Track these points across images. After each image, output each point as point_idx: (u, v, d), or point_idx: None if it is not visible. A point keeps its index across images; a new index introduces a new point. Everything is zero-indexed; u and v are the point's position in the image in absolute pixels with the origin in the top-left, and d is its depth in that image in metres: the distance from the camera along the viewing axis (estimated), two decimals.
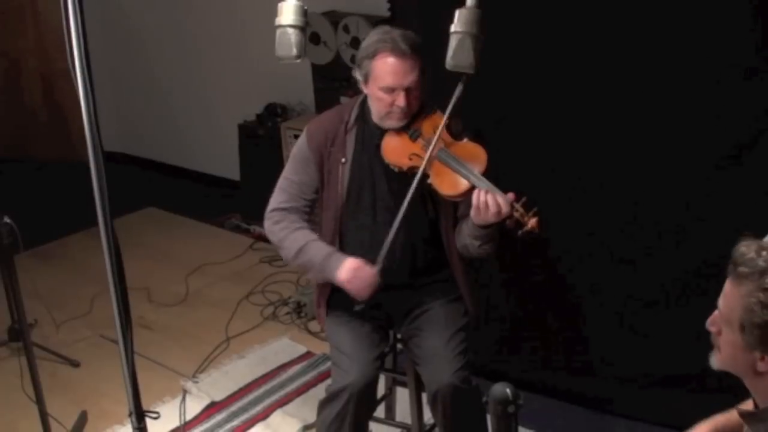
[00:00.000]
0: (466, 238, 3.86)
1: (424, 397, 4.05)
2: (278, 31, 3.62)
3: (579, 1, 4.47)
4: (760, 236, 3.30)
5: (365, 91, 3.90)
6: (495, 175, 3.67)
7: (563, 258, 4.88)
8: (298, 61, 3.66)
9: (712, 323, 2.57)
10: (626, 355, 4.81)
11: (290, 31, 3.60)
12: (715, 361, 2.59)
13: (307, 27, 3.65)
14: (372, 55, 3.75)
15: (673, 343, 4.39)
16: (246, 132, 7.53)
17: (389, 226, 3.80)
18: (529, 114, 4.70)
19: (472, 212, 3.66)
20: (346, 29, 6.47)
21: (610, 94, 4.48)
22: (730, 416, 2.88)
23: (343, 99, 6.60)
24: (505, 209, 3.59)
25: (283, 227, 4.03)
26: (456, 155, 3.75)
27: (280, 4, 3.61)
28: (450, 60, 3.52)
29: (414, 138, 3.83)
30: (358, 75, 3.88)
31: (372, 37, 3.81)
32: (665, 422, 4.52)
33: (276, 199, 4.09)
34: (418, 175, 3.72)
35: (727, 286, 2.49)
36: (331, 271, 3.86)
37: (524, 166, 4.64)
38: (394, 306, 4.08)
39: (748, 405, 2.62)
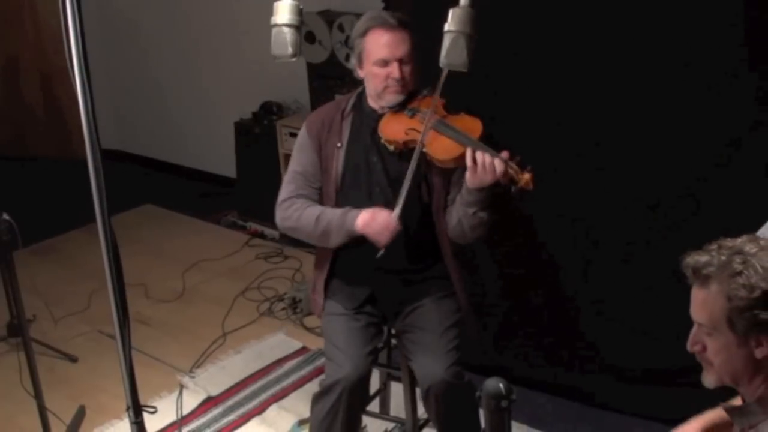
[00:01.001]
0: (460, 209, 3.87)
1: (418, 391, 4.05)
2: (274, 30, 3.61)
3: (574, 1, 4.48)
4: (754, 230, 3.33)
5: (361, 74, 3.96)
6: None
7: (557, 254, 4.88)
8: (294, 59, 3.66)
9: (694, 343, 2.56)
10: (619, 350, 4.81)
11: (286, 30, 3.59)
12: (710, 378, 2.57)
13: (302, 26, 3.64)
14: (364, 33, 3.88)
15: (666, 338, 4.39)
16: (242, 130, 7.53)
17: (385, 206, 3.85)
18: (522, 113, 4.70)
19: (468, 174, 3.69)
20: (340, 28, 6.47)
21: (603, 92, 4.48)
22: (720, 412, 2.88)
23: (338, 97, 6.60)
24: (499, 167, 3.63)
25: (295, 209, 4.03)
26: (452, 124, 3.81)
27: (275, 4, 3.61)
28: (444, 59, 3.52)
29: (411, 115, 3.87)
30: (353, 60, 3.96)
31: (362, 19, 3.94)
32: (657, 417, 4.52)
33: (284, 192, 4.11)
34: (418, 144, 3.75)
35: (697, 295, 2.48)
36: (351, 223, 3.88)
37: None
38: (388, 302, 4.09)
39: (736, 401, 2.62)
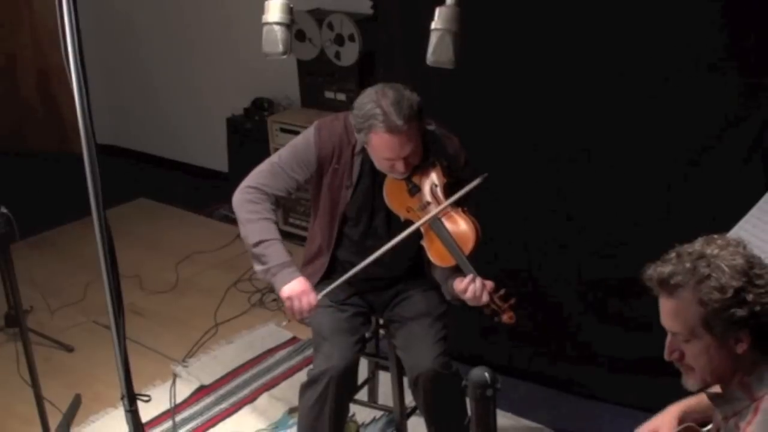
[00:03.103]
0: (442, 286, 3.88)
1: (406, 380, 4.05)
2: (265, 29, 3.60)
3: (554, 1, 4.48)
4: (735, 221, 3.32)
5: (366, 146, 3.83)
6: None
7: (543, 245, 4.88)
8: (284, 57, 3.64)
9: (670, 352, 2.56)
10: (605, 340, 4.81)
11: (276, 28, 3.58)
12: (692, 382, 2.57)
13: (292, 24, 3.62)
14: (368, 129, 3.66)
15: (651, 328, 4.39)
16: (234, 125, 7.52)
17: (379, 240, 3.84)
18: (507, 111, 4.70)
19: (459, 289, 3.65)
20: (330, 26, 6.46)
21: (584, 88, 4.50)
22: (697, 398, 2.88)
23: (328, 94, 6.61)
24: (484, 299, 3.60)
25: (254, 210, 3.92)
26: (448, 230, 3.72)
27: (266, 2, 3.60)
28: (431, 56, 3.51)
29: (412, 193, 3.81)
30: (356, 127, 3.77)
31: (366, 106, 3.68)
32: (643, 406, 4.49)
33: (259, 178, 3.99)
34: (413, 229, 3.74)
35: (667, 305, 2.49)
36: (281, 280, 3.84)
37: (507, 158, 4.65)
38: (375, 294, 4.10)
39: (717, 388, 2.62)
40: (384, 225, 3.95)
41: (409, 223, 3.78)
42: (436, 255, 3.73)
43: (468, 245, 3.69)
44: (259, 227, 3.91)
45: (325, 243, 4.04)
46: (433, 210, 3.73)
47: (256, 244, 3.89)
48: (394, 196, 3.84)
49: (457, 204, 3.77)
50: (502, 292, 3.63)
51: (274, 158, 4.04)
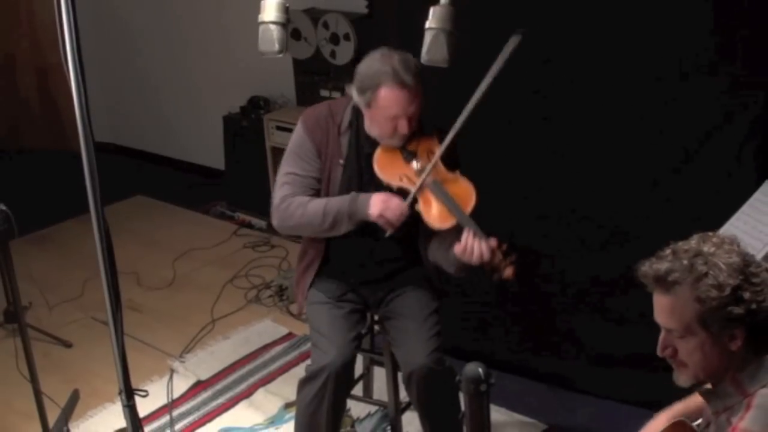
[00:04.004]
0: (443, 262, 3.87)
1: (400, 376, 4.05)
2: (261, 28, 3.60)
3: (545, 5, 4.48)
4: (725, 219, 3.32)
5: (365, 113, 3.84)
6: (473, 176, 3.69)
7: (533, 242, 4.87)
8: (280, 56, 3.64)
9: (664, 348, 2.55)
10: (597, 336, 4.82)
11: (272, 27, 3.58)
12: (684, 378, 2.56)
13: (288, 23, 3.63)
14: (376, 86, 3.69)
15: (644, 324, 4.39)
16: (230, 123, 7.51)
17: (373, 233, 3.84)
18: (499, 107, 4.68)
19: (458, 251, 3.63)
20: (325, 25, 6.46)
21: (576, 86, 4.50)
22: (687, 403, 2.89)
23: (323, 92, 6.60)
24: (486, 255, 3.59)
25: (297, 206, 3.89)
26: (447, 191, 3.72)
27: (262, 2, 3.60)
28: (425, 55, 3.52)
29: (408, 160, 3.81)
30: (355, 95, 3.81)
31: (373, 65, 3.73)
32: (636, 400, 4.52)
33: (280, 194, 3.94)
34: (409, 197, 3.72)
35: (662, 302, 2.48)
36: (363, 211, 3.79)
37: (500, 156, 4.65)
38: (370, 292, 4.09)
39: (709, 385, 2.62)
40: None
41: (402, 192, 3.77)
42: (436, 216, 3.71)
43: (468, 203, 3.71)
44: (311, 210, 3.86)
45: None
46: (429, 168, 3.71)
47: (324, 217, 3.84)
48: (387, 166, 3.81)
49: (452, 169, 3.80)
50: (504, 247, 3.63)
51: (281, 173, 4.01)
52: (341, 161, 3.92)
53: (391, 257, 4.04)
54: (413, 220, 3.81)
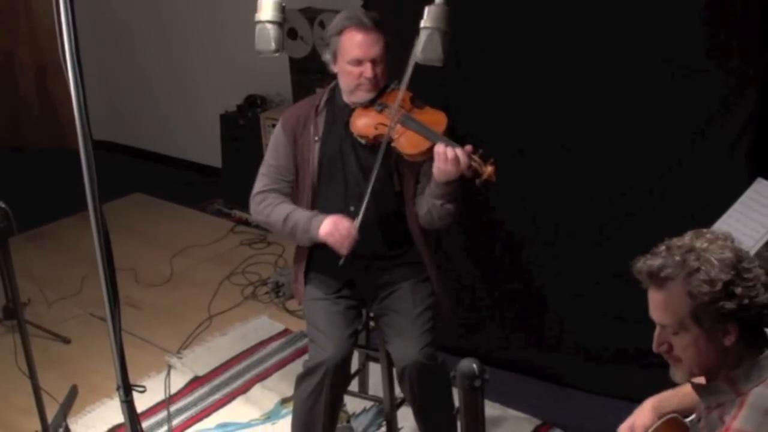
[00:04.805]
0: (429, 201, 3.88)
1: (396, 372, 4.06)
2: (258, 27, 3.61)
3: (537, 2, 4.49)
4: (718, 215, 3.32)
5: (334, 69, 3.96)
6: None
7: (526, 238, 4.88)
8: (277, 54, 3.66)
9: (659, 344, 2.54)
10: (590, 331, 4.81)
11: (269, 26, 3.60)
12: (680, 374, 2.56)
13: (284, 22, 3.65)
14: (339, 32, 3.84)
15: (635, 319, 4.40)
16: (227, 122, 7.51)
17: (359, 199, 3.85)
18: (491, 103, 4.70)
19: (435, 167, 3.70)
20: (321, 25, 6.46)
21: (571, 82, 4.50)
22: (675, 390, 2.89)
23: (319, 90, 6.59)
24: (463, 159, 3.64)
25: (267, 205, 4.06)
26: (418, 119, 3.82)
27: (259, 1, 3.61)
28: (420, 54, 3.54)
29: (380, 110, 3.88)
30: (327, 54, 3.95)
31: (338, 17, 3.88)
32: (627, 396, 4.51)
33: (258, 185, 4.13)
34: (385, 138, 3.79)
35: (656, 298, 2.47)
36: (315, 229, 3.90)
37: (495, 152, 4.64)
38: (365, 286, 4.10)
39: (701, 379, 2.62)
40: (357, 168, 3.97)
41: (378, 139, 3.85)
42: (411, 144, 3.79)
43: (441, 125, 3.83)
44: (277, 212, 4.04)
45: (306, 206, 4.07)
46: (398, 101, 3.83)
47: (284, 224, 4.02)
48: (362, 122, 3.90)
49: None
50: (480, 151, 3.69)
51: (263, 163, 4.16)
52: (316, 138, 4.00)
53: (378, 252, 4.06)
54: (398, 199, 3.96)
